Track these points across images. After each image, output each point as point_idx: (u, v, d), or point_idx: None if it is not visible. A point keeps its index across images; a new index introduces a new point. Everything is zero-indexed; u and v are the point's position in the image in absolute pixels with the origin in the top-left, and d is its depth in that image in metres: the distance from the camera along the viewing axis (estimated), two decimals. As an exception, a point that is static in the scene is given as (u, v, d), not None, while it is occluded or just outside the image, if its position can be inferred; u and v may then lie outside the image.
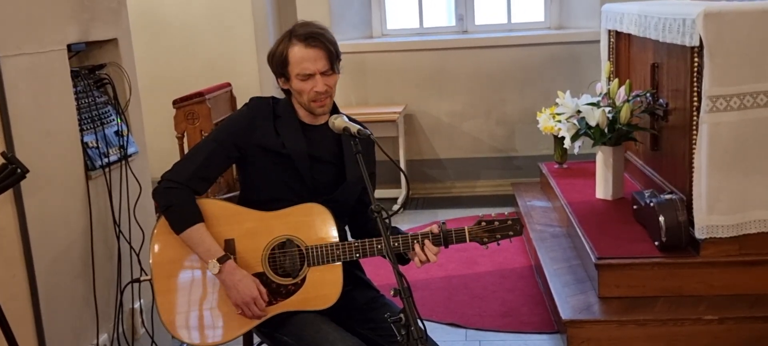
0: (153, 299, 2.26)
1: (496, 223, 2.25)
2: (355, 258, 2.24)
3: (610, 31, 4.45)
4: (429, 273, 3.99)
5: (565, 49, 5.50)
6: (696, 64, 3.08)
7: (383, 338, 2.24)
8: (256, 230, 2.25)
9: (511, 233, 2.26)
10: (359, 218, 2.44)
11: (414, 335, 1.80)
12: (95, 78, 2.88)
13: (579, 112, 3.89)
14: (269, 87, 4.77)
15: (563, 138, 4.01)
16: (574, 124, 3.91)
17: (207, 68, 5.24)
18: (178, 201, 2.22)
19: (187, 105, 4.39)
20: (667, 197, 3.24)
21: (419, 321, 1.83)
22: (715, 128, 2.98)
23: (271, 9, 5.39)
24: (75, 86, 2.70)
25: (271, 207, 2.27)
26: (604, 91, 3.95)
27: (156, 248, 2.26)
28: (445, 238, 2.22)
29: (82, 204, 2.70)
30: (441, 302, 3.74)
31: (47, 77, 2.52)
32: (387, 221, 1.95)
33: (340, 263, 2.23)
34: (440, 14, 6.03)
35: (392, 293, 1.88)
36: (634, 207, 3.56)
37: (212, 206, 2.28)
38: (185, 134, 4.44)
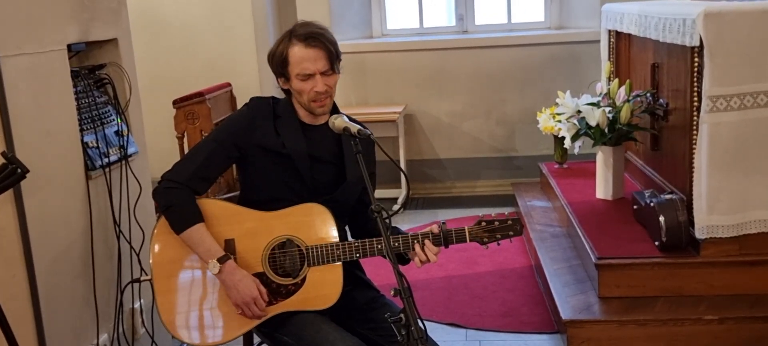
0: (153, 299, 2.26)
1: (496, 223, 2.25)
2: (355, 258, 2.24)
3: (610, 31, 4.45)
4: (429, 273, 3.99)
5: (565, 49, 5.50)
6: (696, 64, 3.08)
7: (383, 338, 2.24)
8: (256, 230, 2.25)
9: (511, 233, 2.26)
10: (359, 218, 2.44)
11: (414, 335, 1.80)
12: (95, 78, 2.88)
13: (579, 112, 3.89)
14: (269, 87, 4.77)
15: (563, 138, 4.01)
16: (574, 124, 3.91)
17: (207, 68, 5.24)
18: (178, 201, 2.22)
19: (187, 105, 4.39)
20: (668, 197, 3.24)
21: (419, 321, 1.83)
22: (716, 128, 2.98)
23: (271, 9, 5.40)
24: (75, 86, 2.70)
25: (271, 207, 2.27)
26: (604, 91, 3.95)
27: (156, 248, 2.26)
28: (445, 238, 2.22)
29: (82, 204, 2.70)
30: (441, 302, 3.74)
31: (47, 77, 2.52)
32: (387, 221, 1.95)
33: (340, 263, 2.23)
34: (440, 14, 6.03)
35: (392, 293, 1.88)
36: (634, 207, 3.56)
37: (212, 206, 2.28)
38: (185, 134, 4.44)
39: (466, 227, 2.24)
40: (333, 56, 2.25)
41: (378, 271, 2.84)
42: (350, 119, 2.17)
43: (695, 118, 3.11)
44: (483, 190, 5.72)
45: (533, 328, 3.42)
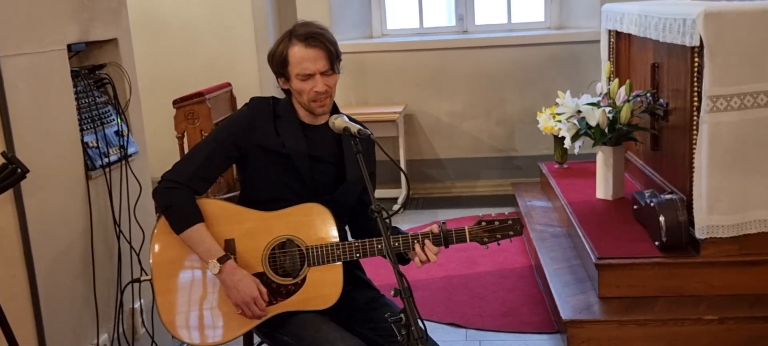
0: (153, 299, 2.26)
1: (497, 223, 2.25)
2: (355, 258, 2.24)
3: (610, 31, 4.45)
4: (429, 273, 3.99)
5: (565, 49, 5.50)
6: (696, 64, 3.08)
7: (383, 338, 2.24)
8: (257, 229, 2.25)
9: (511, 232, 2.26)
10: (359, 217, 2.44)
11: (414, 335, 1.80)
12: (95, 78, 2.88)
13: (579, 112, 3.89)
14: (269, 87, 4.77)
15: (563, 138, 4.01)
16: (575, 124, 3.91)
17: (207, 68, 5.23)
18: (178, 201, 2.21)
19: (187, 105, 4.39)
20: (668, 197, 3.24)
21: (419, 321, 1.83)
22: (716, 128, 2.98)
23: (271, 9, 5.39)
24: (75, 86, 2.70)
25: (271, 207, 2.27)
26: (604, 91, 3.95)
27: (156, 247, 2.26)
28: (445, 238, 2.22)
29: (82, 204, 2.70)
30: (441, 302, 3.74)
31: (47, 77, 2.52)
32: (387, 221, 1.95)
33: (340, 262, 2.23)
34: (440, 14, 6.03)
35: (392, 293, 1.88)
36: (635, 207, 3.56)
37: (212, 206, 2.27)
38: (185, 134, 4.44)
39: (466, 227, 2.24)
40: (333, 56, 2.25)
41: (378, 271, 2.84)
42: (350, 119, 2.17)
43: (695, 118, 3.11)
44: (483, 190, 5.72)
45: (533, 328, 3.42)
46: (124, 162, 2.91)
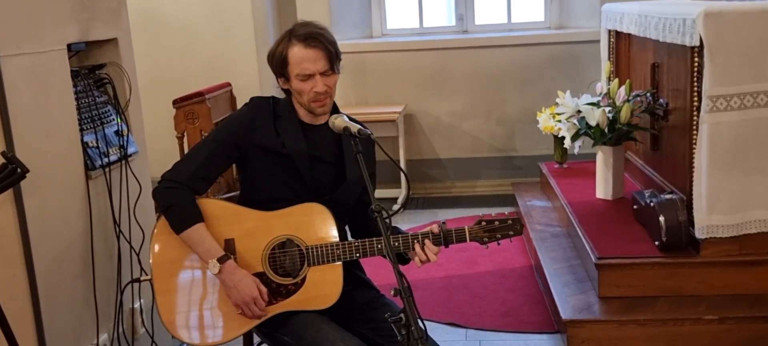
0: (153, 298, 2.26)
1: (497, 223, 2.25)
2: (355, 258, 2.24)
3: (610, 30, 4.45)
4: (429, 273, 3.99)
5: (565, 49, 5.50)
6: (696, 64, 3.08)
7: (383, 338, 2.24)
8: (256, 229, 2.25)
9: (511, 232, 2.26)
10: (359, 217, 2.44)
11: (414, 334, 1.79)
12: (95, 78, 2.88)
13: (579, 112, 3.89)
14: (269, 87, 4.77)
15: (563, 138, 4.01)
16: (574, 124, 3.91)
17: (207, 68, 5.23)
18: (178, 201, 2.21)
19: (187, 105, 4.39)
20: (667, 196, 3.24)
21: (419, 321, 1.83)
22: (716, 128, 2.98)
23: (271, 9, 5.39)
24: (75, 86, 2.70)
25: (271, 207, 2.27)
26: (604, 90, 3.95)
27: (156, 247, 2.26)
28: (445, 238, 2.22)
29: (82, 204, 2.70)
30: (441, 301, 3.74)
31: (47, 77, 2.52)
32: (387, 220, 1.95)
33: (340, 262, 2.23)
34: (440, 14, 6.03)
35: (392, 292, 1.88)
36: (634, 207, 3.56)
37: (212, 205, 2.27)
38: (185, 134, 4.44)
39: (466, 227, 2.24)
40: (333, 56, 2.25)
41: (378, 271, 2.84)
42: (350, 119, 2.17)
43: (695, 118, 3.11)
44: (483, 190, 5.72)
45: (533, 328, 3.42)
46: (124, 162, 2.91)
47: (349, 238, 2.41)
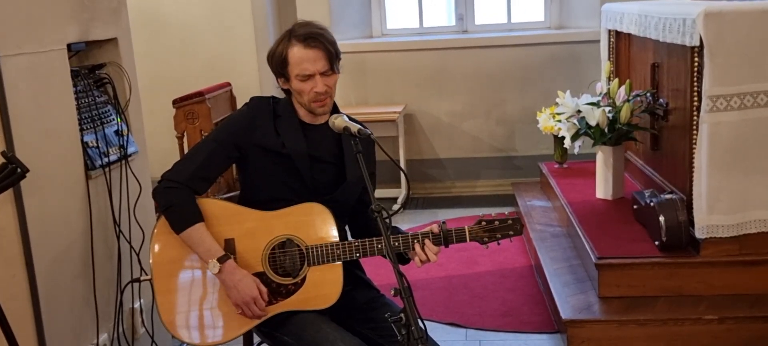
0: (153, 298, 2.26)
1: (497, 222, 2.24)
2: (355, 258, 2.24)
3: (610, 30, 4.45)
4: (429, 273, 3.99)
5: (565, 49, 5.50)
6: (696, 63, 3.08)
7: (383, 337, 2.24)
8: (257, 229, 2.25)
9: (511, 232, 2.26)
10: (359, 217, 2.44)
11: (414, 334, 1.79)
12: (95, 77, 2.88)
13: (579, 111, 3.89)
14: (269, 87, 4.77)
15: (563, 138, 4.01)
16: (574, 123, 3.91)
17: (207, 68, 5.23)
18: (178, 201, 2.21)
19: (187, 105, 4.39)
20: (667, 196, 3.24)
21: (419, 321, 1.83)
22: (716, 128, 2.98)
23: (271, 9, 5.39)
24: (75, 86, 2.70)
25: (271, 207, 2.27)
26: (604, 90, 3.95)
27: (156, 247, 2.25)
28: (445, 237, 2.21)
29: (82, 204, 2.70)
30: (441, 301, 3.74)
31: (47, 77, 2.52)
32: (387, 220, 1.95)
33: (340, 262, 2.23)
34: (440, 14, 6.03)
35: (392, 292, 1.88)
36: (634, 207, 3.56)
37: (212, 205, 2.27)
38: (185, 134, 4.44)
39: (466, 227, 2.24)
40: (332, 56, 2.25)
41: (378, 271, 2.84)
42: (350, 119, 2.17)
43: (695, 118, 3.11)
44: (483, 190, 5.72)
45: (533, 328, 3.42)
46: (123, 162, 2.91)
47: (349, 238, 2.41)
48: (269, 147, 2.28)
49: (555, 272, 3.53)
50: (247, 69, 5.24)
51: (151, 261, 2.25)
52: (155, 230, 2.26)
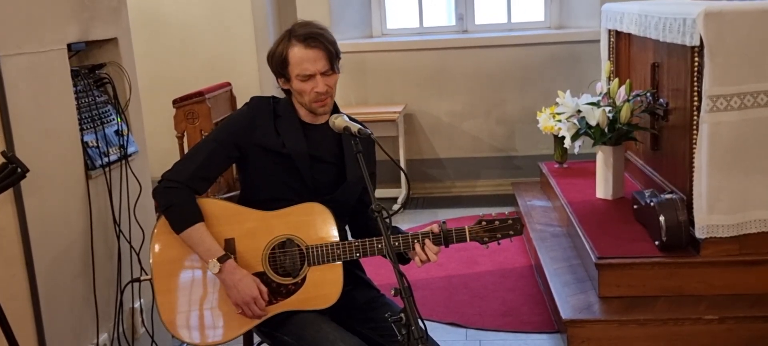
0: (153, 298, 2.26)
1: (497, 222, 2.24)
2: (355, 257, 2.24)
3: (610, 30, 4.45)
4: (429, 273, 3.99)
5: (565, 49, 5.50)
6: (696, 63, 3.08)
7: (384, 337, 2.24)
8: (257, 229, 2.25)
9: (511, 232, 2.26)
10: (359, 217, 2.44)
11: (414, 334, 1.80)
12: (95, 77, 2.88)
13: (579, 111, 3.89)
14: (269, 87, 4.77)
15: (563, 138, 4.01)
16: (574, 123, 3.91)
17: (207, 68, 5.23)
18: (178, 201, 2.21)
19: (187, 105, 4.39)
20: (668, 196, 3.24)
21: (420, 321, 1.83)
22: (716, 128, 2.98)
23: (271, 9, 5.39)
24: (75, 86, 2.70)
25: (272, 207, 2.27)
26: (604, 90, 3.95)
27: (156, 247, 2.25)
28: (445, 237, 2.21)
29: (82, 204, 2.70)
30: (441, 301, 3.74)
31: (47, 77, 2.52)
32: (387, 220, 1.95)
33: (340, 262, 2.23)
34: (440, 14, 6.03)
35: (393, 292, 1.88)
36: (635, 207, 3.56)
37: (212, 205, 2.27)
38: (185, 134, 4.44)
39: (466, 227, 2.24)
40: (333, 56, 2.24)
41: (378, 270, 2.84)
42: (350, 119, 2.17)
43: (695, 117, 3.11)
44: (483, 189, 5.72)
45: (533, 328, 3.42)
46: (124, 162, 2.91)
47: (349, 238, 2.41)
48: (269, 147, 2.28)
49: (555, 272, 3.53)
50: (247, 69, 5.24)
51: (151, 261, 2.25)
52: (155, 230, 2.26)
